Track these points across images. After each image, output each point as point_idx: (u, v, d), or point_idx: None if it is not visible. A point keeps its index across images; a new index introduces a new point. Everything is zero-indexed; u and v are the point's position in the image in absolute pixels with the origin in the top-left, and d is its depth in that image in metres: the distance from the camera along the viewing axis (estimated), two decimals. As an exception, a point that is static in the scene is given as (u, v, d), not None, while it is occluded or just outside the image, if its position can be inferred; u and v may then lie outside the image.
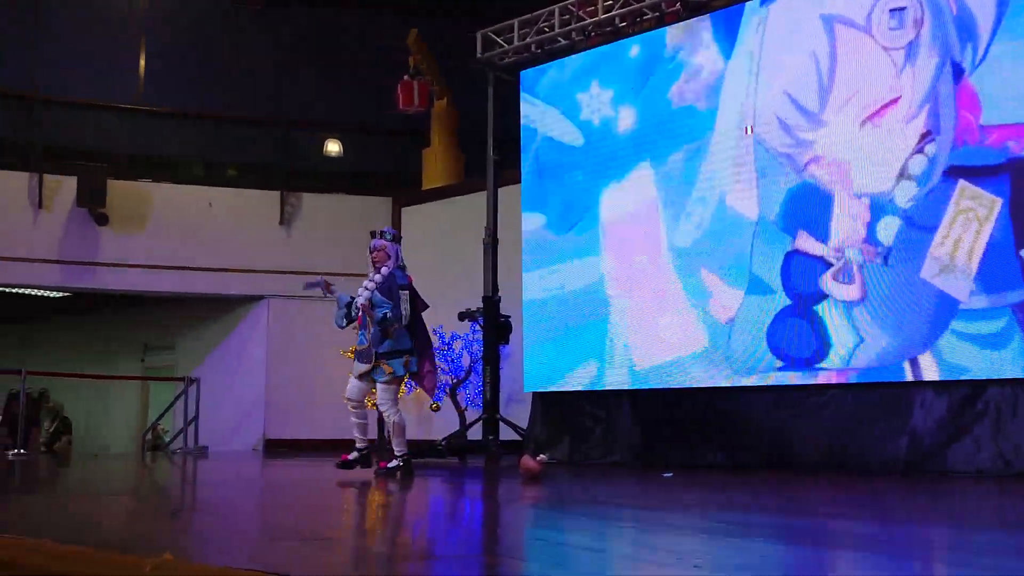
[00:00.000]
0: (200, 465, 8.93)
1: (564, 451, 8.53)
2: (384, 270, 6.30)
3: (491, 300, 9.26)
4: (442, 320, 10.84)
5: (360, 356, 6.31)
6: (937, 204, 6.79)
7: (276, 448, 11.77)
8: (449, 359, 10.94)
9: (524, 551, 3.23)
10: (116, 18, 13.21)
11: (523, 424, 9.07)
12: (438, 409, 10.70)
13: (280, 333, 12.38)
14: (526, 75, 9.33)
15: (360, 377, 6.33)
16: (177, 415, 12.06)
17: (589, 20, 8.86)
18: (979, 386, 6.55)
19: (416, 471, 6.51)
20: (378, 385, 6.31)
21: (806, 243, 7.39)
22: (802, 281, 7.38)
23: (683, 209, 8.02)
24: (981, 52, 6.70)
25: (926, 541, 3.36)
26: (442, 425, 11.10)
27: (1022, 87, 6.51)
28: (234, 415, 12.51)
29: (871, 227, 7.07)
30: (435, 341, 10.95)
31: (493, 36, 9.56)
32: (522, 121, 9.24)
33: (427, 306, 6.60)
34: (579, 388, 8.56)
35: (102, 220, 11.80)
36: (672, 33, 8.30)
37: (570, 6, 8.95)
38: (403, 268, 6.42)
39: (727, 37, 7.92)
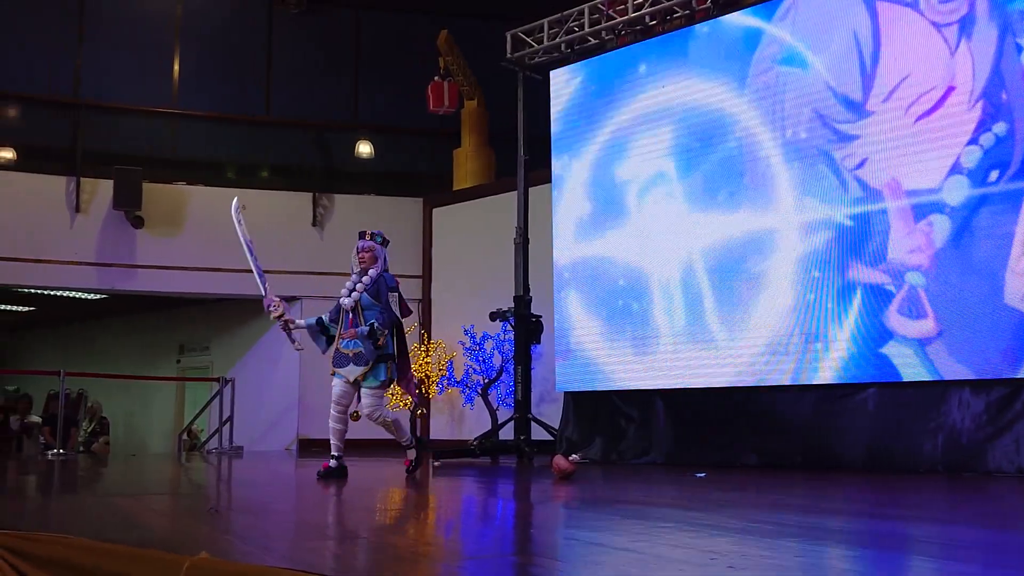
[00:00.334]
0: (235, 465, 9.01)
1: (597, 451, 8.51)
2: (372, 272, 6.28)
3: (522, 299, 9.25)
4: (473, 320, 10.88)
5: (357, 360, 6.17)
6: (1010, 207, 6.12)
7: (310, 448, 11.85)
8: (480, 359, 10.96)
9: (557, 551, 3.23)
10: (152, 22, 13.37)
11: (555, 424, 9.06)
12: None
13: (314, 333, 12.43)
14: (556, 74, 9.33)
15: (352, 382, 6.21)
16: (212, 415, 12.19)
17: (619, 19, 8.83)
18: (1019, 384, 6.43)
19: (448, 471, 6.50)
20: (367, 391, 6.22)
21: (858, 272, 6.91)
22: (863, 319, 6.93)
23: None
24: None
25: (975, 542, 3.30)
26: (474, 425, 11.13)
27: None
28: (268, 415, 12.64)
29: (930, 239, 6.45)
30: (467, 341, 11.06)
31: (523, 36, 9.57)
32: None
33: (411, 311, 6.58)
34: (612, 388, 8.54)
35: (138, 223, 11.96)
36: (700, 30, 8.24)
37: (600, 5, 8.93)
38: (387, 271, 6.41)
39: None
